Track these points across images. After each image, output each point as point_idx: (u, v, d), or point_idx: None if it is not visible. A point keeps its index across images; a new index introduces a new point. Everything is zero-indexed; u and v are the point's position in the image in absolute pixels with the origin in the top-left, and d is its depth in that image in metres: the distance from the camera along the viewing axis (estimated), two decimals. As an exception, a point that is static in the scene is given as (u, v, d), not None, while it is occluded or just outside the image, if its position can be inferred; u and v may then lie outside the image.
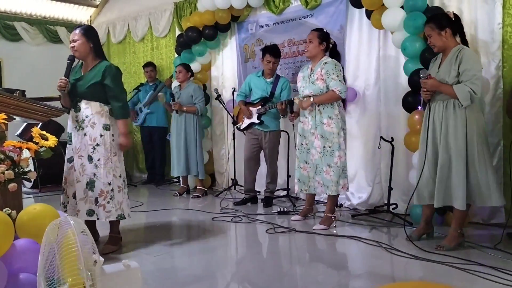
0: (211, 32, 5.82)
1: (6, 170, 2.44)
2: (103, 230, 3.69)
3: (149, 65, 6.79)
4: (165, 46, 7.03)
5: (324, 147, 3.95)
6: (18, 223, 2.26)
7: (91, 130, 3.34)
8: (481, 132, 3.23)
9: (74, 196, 3.38)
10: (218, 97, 5.66)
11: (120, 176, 3.44)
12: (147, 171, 7.07)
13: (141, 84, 6.83)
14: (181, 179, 5.96)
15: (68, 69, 3.39)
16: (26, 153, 2.63)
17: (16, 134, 5.69)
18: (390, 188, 4.32)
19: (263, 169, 5.22)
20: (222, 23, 5.75)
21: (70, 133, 3.44)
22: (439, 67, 3.38)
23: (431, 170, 3.36)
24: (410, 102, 4.09)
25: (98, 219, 3.35)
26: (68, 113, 3.45)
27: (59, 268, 1.66)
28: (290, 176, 5.15)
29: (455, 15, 3.43)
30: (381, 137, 4.36)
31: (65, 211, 3.39)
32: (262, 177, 5.27)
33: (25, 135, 5.66)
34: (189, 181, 5.93)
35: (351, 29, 4.85)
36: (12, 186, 2.43)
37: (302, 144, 4.15)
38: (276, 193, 5.23)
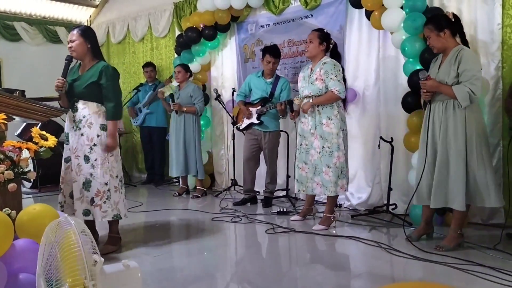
0: (211, 32, 5.82)
1: (6, 170, 2.44)
2: (102, 230, 3.69)
3: (148, 65, 6.79)
4: (165, 46, 7.03)
5: (323, 147, 3.95)
6: (18, 223, 2.25)
7: (88, 130, 3.35)
8: (480, 132, 3.23)
9: (71, 196, 3.40)
10: (218, 97, 5.66)
11: (117, 176, 3.45)
12: (147, 171, 7.07)
13: (141, 84, 6.83)
14: (180, 179, 5.96)
15: (66, 69, 3.40)
16: (25, 153, 2.63)
17: (15, 134, 5.70)
18: (389, 189, 4.32)
19: (262, 169, 5.22)
20: (221, 23, 5.75)
21: (67, 133, 3.45)
22: (439, 67, 3.38)
23: (431, 170, 3.36)
24: (410, 103, 4.09)
25: (93, 219, 3.35)
26: (67, 113, 3.45)
27: (60, 269, 1.66)
28: (289, 177, 5.14)
29: (454, 15, 3.43)
30: (381, 137, 4.36)
31: (62, 211, 3.40)
32: (262, 178, 5.28)
33: (25, 135, 5.66)
34: (189, 181, 5.92)
35: (350, 29, 4.85)
36: (11, 186, 2.43)
37: (301, 144, 4.15)
38: (276, 194, 5.23)
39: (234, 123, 5.33)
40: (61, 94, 3.39)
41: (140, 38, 7.36)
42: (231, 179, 5.92)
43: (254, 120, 4.95)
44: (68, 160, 3.44)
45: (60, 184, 3.48)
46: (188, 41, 5.91)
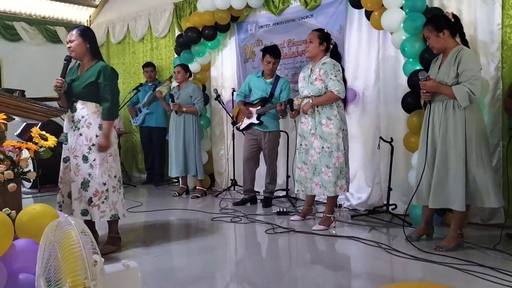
0: (211, 33, 5.82)
1: (6, 170, 2.44)
2: (101, 230, 3.69)
3: (148, 65, 6.79)
4: (165, 47, 7.03)
5: (323, 147, 3.95)
6: (18, 223, 2.25)
7: (87, 130, 3.35)
8: (480, 132, 3.23)
9: (69, 196, 3.40)
10: (218, 98, 5.66)
11: (115, 177, 3.45)
12: (147, 171, 7.07)
13: (141, 84, 6.83)
14: (180, 179, 5.96)
15: (65, 69, 3.41)
16: (25, 153, 2.63)
17: (15, 134, 5.70)
18: (389, 189, 4.32)
19: (262, 169, 5.22)
20: (221, 23, 5.75)
21: (66, 133, 3.46)
22: (439, 68, 3.38)
23: (431, 170, 3.36)
24: (410, 103, 4.09)
25: (91, 219, 3.35)
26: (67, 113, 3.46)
27: (60, 269, 1.66)
28: (289, 177, 5.14)
29: (454, 15, 3.43)
30: (381, 137, 4.36)
31: (61, 211, 3.40)
32: (262, 178, 5.28)
33: (25, 135, 5.67)
34: (189, 182, 5.92)
35: (350, 29, 4.85)
36: (11, 186, 2.43)
37: (301, 144, 4.15)
38: (276, 194, 5.22)
39: (234, 123, 5.33)
40: (60, 94, 3.39)
41: (140, 38, 7.36)
42: (231, 179, 5.92)
43: (254, 120, 4.95)
44: (66, 160, 3.44)
45: (59, 184, 3.49)
46: (188, 41, 5.91)
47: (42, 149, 2.69)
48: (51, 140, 2.76)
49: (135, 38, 7.42)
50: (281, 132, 5.11)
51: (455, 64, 3.22)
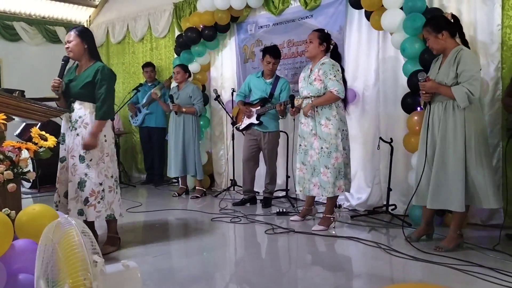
0: (211, 33, 5.82)
1: (5, 170, 2.44)
2: (100, 230, 3.70)
3: (148, 66, 6.79)
4: (165, 47, 7.03)
5: (322, 148, 3.94)
6: (17, 223, 2.26)
7: (84, 130, 3.35)
8: (479, 133, 3.23)
9: (65, 196, 3.41)
10: (217, 98, 5.66)
11: (112, 177, 3.45)
12: (146, 171, 7.07)
13: (140, 85, 6.83)
14: (180, 179, 5.96)
15: (62, 69, 3.41)
16: (25, 154, 2.63)
17: (15, 134, 5.69)
18: (389, 189, 4.32)
19: (262, 169, 5.22)
20: (221, 23, 5.75)
21: (63, 133, 3.47)
22: (439, 68, 3.39)
23: (430, 171, 3.36)
24: (409, 103, 4.10)
25: (86, 219, 3.35)
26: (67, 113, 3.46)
27: (60, 269, 1.66)
28: (289, 177, 5.14)
29: (453, 16, 3.43)
30: (380, 138, 4.36)
31: (57, 210, 3.40)
32: (261, 178, 5.28)
33: (24, 135, 5.66)
34: (188, 182, 5.92)
35: (350, 30, 4.85)
36: (11, 186, 2.43)
37: (300, 145, 4.15)
38: (275, 194, 5.22)
39: (233, 123, 5.33)
40: (59, 94, 3.40)
41: (140, 38, 7.36)
42: (231, 180, 5.92)
43: (253, 120, 4.95)
44: (63, 160, 3.45)
45: (56, 184, 3.50)
46: (187, 41, 5.91)
47: (41, 149, 2.70)
48: (51, 140, 2.76)
49: (135, 38, 7.42)
50: (280, 133, 5.11)
51: (454, 65, 3.22)
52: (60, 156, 3.47)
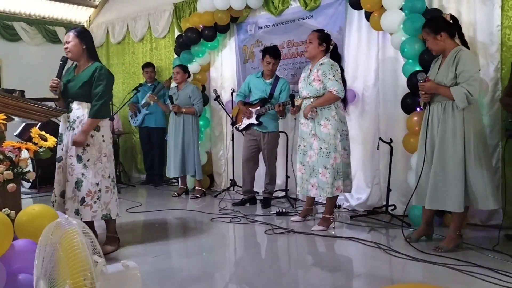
0: (210, 33, 5.82)
1: (5, 170, 2.44)
2: (98, 230, 3.70)
3: (148, 66, 6.79)
4: (164, 47, 7.03)
5: (321, 148, 3.94)
6: (17, 223, 2.26)
7: None
8: (478, 133, 3.24)
9: (62, 195, 3.41)
10: (217, 98, 5.66)
11: (109, 177, 3.46)
12: (146, 171, 7.07)
13: (140, 85, 6.83)
14: (179, 179, 5.96)
15: (61, 70, 3.42)
16: (25, 154, 2.63)
17: (14, 134, 5.69)
18: (388, 189, 4.32)
19: (261, 170, 5.22)
20: (221, 24, 5.75)
21: (61, 133, 3.47)
22: (438, 69, 3.39)
23: (430, 171, 3.36)
24: (409, 104, 4.10)
25: (81, 219, 3.34)
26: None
27: (61, 269, 1.66)
28: (288, 177, 5.15)
29: (452, 17, 3.44)
30: (380, 138, 4.36)
31: None
32: (261, 178, 5.28)
33: (24, 135, 5.66)
34: (188, 182, 5.92)
35: (350, 30, 4.85)
36: (11, 186, 2.43)
37: (300, 145, 4.15)
38: (275, 194, 5.22)
39: (233, 123, 5.33)
40: (56, 94, 3.40)
41: (140, 39, 7.36)
42: (230, 180, 5.92)
43: (253, 120, 4.95)
44: (60, 160, 3.46)
45: (54, 183, 3.50)
46: (187, 41, 5.92)
47: (41, 150, 2.70)
48: (51, 141, 2.76)
49: (135, 39, 7.42)
50: (280, 133, 5.11)
51: (453, 65, 3.23)
52: (57, 156, 3.47)
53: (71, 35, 3.42)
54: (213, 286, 2.90)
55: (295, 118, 4.47)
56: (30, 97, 2.97)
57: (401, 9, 4.08)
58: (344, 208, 4.81)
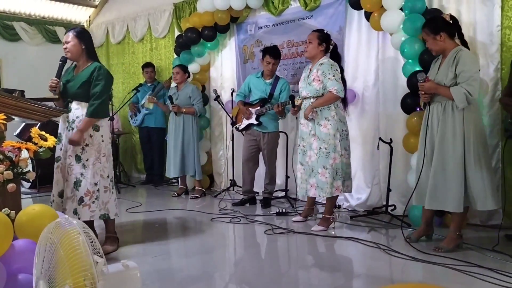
0: (210, 33, 5.82)
1: (5, 170, 2.44)
2: (98, 230, 3.70)
3: (148, 66, 6.79)
4: (164, 47, 7.03)
5: (320, 148, 3.94)
6: (17, 223, 2.26)
7: None
8: (478, 133, 3.24)
9: (60, 195, 3.41)
10: (217, 98, 5.66)
11: (108, 177, 3.46)
12: (146, 171, 7.07)
13: (140, 85, 6.83)
14: (179, 179, 5.96)
15: (60, 70, 3.42)
16: (25, 154, 2.63)
17: (14, 134, 5.69)
18: (388, 190, 4.32)
19: (261, 170, 5.22)
20: (221, 24, 5.75)
21: (60, 133, 3.47)
22: (438, 69, 3.39)
23: (429, 171, 3.36)
24: (409, 104, 4.10)
25: (79, 218, 3.34)
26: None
27: (61, 269, 1.66)
28: (288, 177, 5.15)
29: (452, 17, 3.44)
30: (380, 138, 4.36)
31: None
32: (261, 178, 5.28)
33: (24, 135, 5.66)
34: (188, 182, 5.92)
35: (350, 30, 4.85)
36: (11, 186, 2.43)
37: (299, 145, 4.15)
38: (275, 194, 5.22)
39: (233, 123, 5.33)
40: (56, 94, 3.40)
41: (140, 39, 7.36)
42: (230, 180, 5.92)
43: (253, 120, 4.95)
44: (58, 159, 3.46)
45: (53, 183, 3.50)
46: (187, 41, 5.92)
47: (41, 149, 2.70)
48: (51, 140, 2.76)
49: (135, 39, 7.42)
50: (280, 133, 5.11)
51: (453, 65, 3.23)
52: (56, 156, 3.47)
53: (70, 35, 3.42)
54: (213, 286, 2.90)
55: (296, 118, 4.47)
56: (30, 97, 2.97)
57: (401, 9, 4.08)
58: (344, 208, 4.81)
